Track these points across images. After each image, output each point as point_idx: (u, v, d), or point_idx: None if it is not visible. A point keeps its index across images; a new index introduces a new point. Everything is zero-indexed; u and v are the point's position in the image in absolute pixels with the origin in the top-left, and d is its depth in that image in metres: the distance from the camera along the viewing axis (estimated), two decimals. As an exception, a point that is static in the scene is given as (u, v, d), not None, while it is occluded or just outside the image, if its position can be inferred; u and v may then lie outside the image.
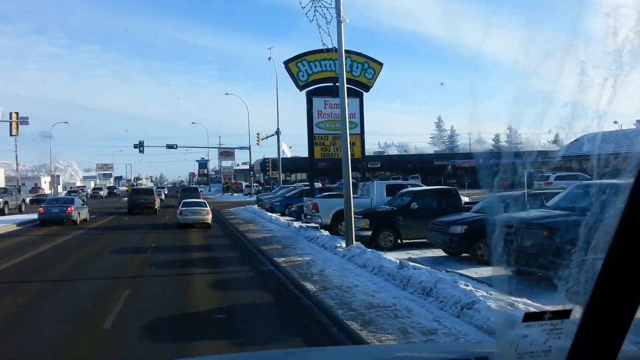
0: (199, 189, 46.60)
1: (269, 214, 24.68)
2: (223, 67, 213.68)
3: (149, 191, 32.45)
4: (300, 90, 20.37)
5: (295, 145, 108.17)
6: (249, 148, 54.15)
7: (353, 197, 12.57)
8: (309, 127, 20.34)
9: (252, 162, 58.11)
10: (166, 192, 65.41)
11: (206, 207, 21.51)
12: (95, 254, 13.20)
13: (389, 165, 79.25)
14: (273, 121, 42.70)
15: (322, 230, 14.61)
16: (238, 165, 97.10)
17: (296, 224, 17.94)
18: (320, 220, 14.77)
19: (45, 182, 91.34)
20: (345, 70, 20.64)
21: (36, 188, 79.07)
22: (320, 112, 20.45)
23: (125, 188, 77.48)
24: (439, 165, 73.09)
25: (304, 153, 59.61)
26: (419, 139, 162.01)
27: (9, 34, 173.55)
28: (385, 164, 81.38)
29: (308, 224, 16.77)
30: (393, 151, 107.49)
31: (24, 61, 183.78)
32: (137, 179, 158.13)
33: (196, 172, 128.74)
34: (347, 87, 20.46)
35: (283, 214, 24.51)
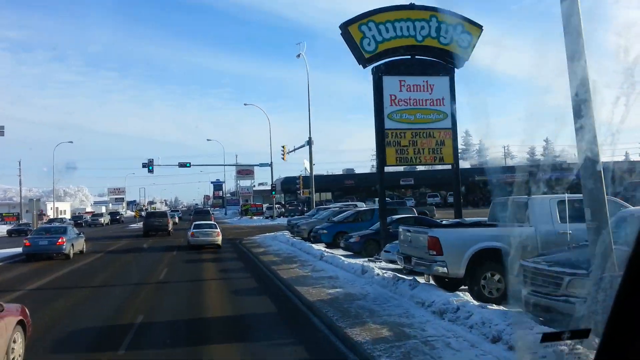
0: (211, 211, 51.25)
1: (314, 246, 18.32)
2: (238, 89, 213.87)
3: (163, 214, 35.70)
4: (365, 66, 14.04)
5: (316, 163, 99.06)
6: (271, 165, 47.50)
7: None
8: (378, 121, 14.57)
9: (273, 181, 51.89)
10: (180, 215, 65.57)
11: (217, 229, 22.64)
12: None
13: (424, 181, 71.20)
14: (294, 139, 36.38)
15: (463, 295, 7.48)
16: (255, 186, 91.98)
17: (377, 268, 11.51)
18: (443, 269, 7.61)
19: (51, 209, 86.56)
20: (430, 35, 15.08)
21: (40, 215, 70.24)
22: (393, 97, 13.94)
23: (133, 213, 71.59)
24: (481, 180, 65.24)
25: (323, 170, 53.21)
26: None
27: (29, 62, 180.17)
28: (420, 180, 73.57)
29: (402, 270, 10.88)
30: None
31: (44, 88, 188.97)
32: (151, 202, 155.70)
33: (211, 195, 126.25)
34: (430, 59, 15.21)
35: (332, 246, 18.53)
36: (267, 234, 28.58)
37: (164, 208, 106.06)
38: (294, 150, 37.90)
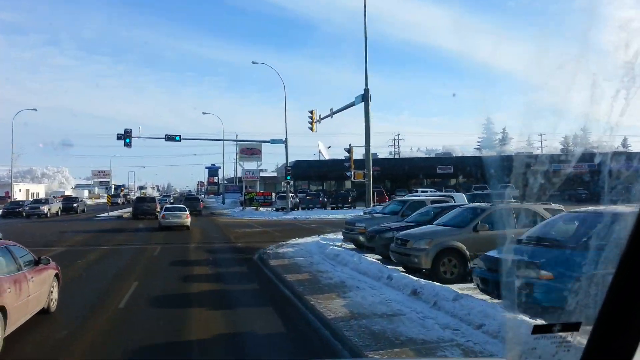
0: (200, 199, 54.97)
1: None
2: (233, 79, 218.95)
3: (152, 199, 39.97)
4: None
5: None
6: (286, 141, 38.58)
7: None
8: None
9: (286, 164, 42.12)
10: (172, 200, 61.83)
11: (186, 211, 26.91)
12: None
13: (465, 170, 59.89)
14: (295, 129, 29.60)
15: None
16: (264, 170, 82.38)
17: None
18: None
19: (20, 190, 78.97)
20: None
21: (4, 198, 63.73)
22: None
23: (105, 199, 59.49)
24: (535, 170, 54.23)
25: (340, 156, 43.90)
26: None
27: (23, 46, 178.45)
28: (459, 169, 62.46)
29: None
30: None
31: (37, 72, 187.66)
32: (142, 187, 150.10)
33: (205, 181, 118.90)
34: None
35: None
36: (300, 239, 19.40)
37: (155, 194, 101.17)
38: (335, 113, 27.18)
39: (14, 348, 6.27)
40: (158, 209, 33.37)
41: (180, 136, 35.22)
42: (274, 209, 44.36)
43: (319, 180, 66.22)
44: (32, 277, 7.24)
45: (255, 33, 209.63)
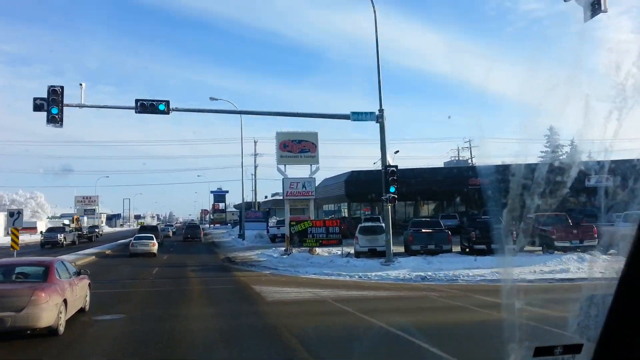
0: (200, 226, 59.42)
1: None
2: (238, 105, 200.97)
3: (154, 228, 45.66)
4: None
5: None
6: (381, 117, 22.27)
7: None
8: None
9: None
10: (174, 230, 66.63)
11: (153, 240, 32.42)
12: None
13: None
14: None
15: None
16: (300, 186, 76.05)
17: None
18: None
19: None
20: None
21: None
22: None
23: (68, 226, 51.33)
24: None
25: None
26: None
27: (26, 76, 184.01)
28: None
29: None
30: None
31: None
32: (138, 217, 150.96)
33: (209, 208, 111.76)
34: None
35: None
36: None
37: (155, 223, 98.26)
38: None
39: (71, 327, 10.13)
40: (156, 243, 34.16)
41: (168, 103, 21.10)
42: (346, 254, 25.32)
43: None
44: (77, 283, 11.31)
45: (259, 61, 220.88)
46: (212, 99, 37.23)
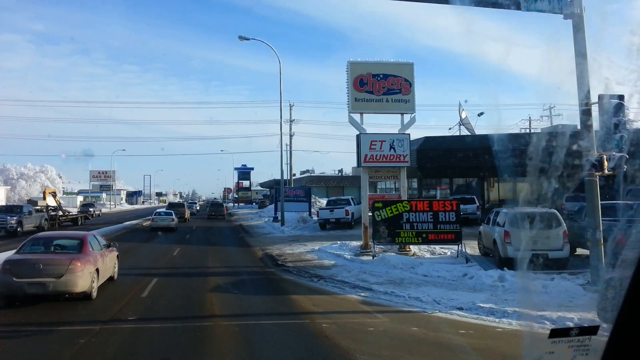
0: (224, 204, 64.12)
1: None
2: (257, 88, 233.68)
3: (181, 205, 50.98)
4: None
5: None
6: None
7: None
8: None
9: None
10: (198, 208, 69.25)
11: (172, 215, 35.16)
12: None
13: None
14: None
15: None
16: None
17: None
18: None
19: None
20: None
21: None
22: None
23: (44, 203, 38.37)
24: None
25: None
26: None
27: (53, 55, 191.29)
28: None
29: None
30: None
31: (68, 81, 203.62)
32: (160, 194, 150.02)
33: (232, 186, 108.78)
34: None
35: None
36: None
37: (176, 200, 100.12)
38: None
39: (103, 292, 12.03)
40: (187, 214, 46.78)
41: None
42: (462, 254, 17.32)
43: (465, 173, 35.02)
44: (107, 254, 13.20)
45: (283, 41, 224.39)
46: (241, 38, 32.12)
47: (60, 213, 37.76)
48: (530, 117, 56.55)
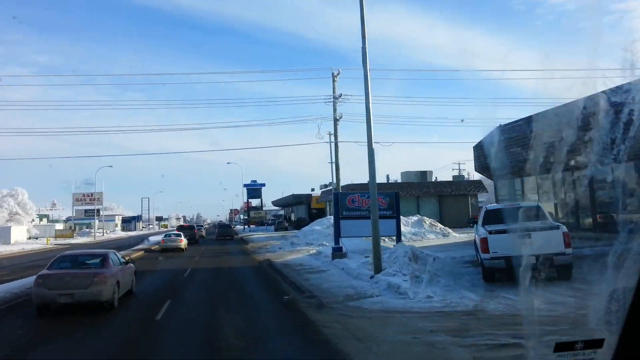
0: (231, 226, 69.27)
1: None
2: (262, 109, 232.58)
3: (191, 227, 52.96)
4: None
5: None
6: None
7: None
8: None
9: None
10: (203, 232, 65.59)
11: (181, 237, 36.87)
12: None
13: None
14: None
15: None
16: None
17: None
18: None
19: None
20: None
21: None
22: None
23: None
24: None
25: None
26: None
27: (59, 86, 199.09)
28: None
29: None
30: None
31: (75, 110, 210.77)
32: (160, 219, 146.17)
33: (240, 207, 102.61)
34: None
35: None
36: None
37: (179, 224, 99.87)
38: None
39: (123, 303, 13.88)
40: (198, 234, 51.42)
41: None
42: None
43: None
44: (125, 270, 15.45)
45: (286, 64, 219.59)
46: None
47: None
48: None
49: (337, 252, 21.58)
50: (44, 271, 13.55)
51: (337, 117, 33.14)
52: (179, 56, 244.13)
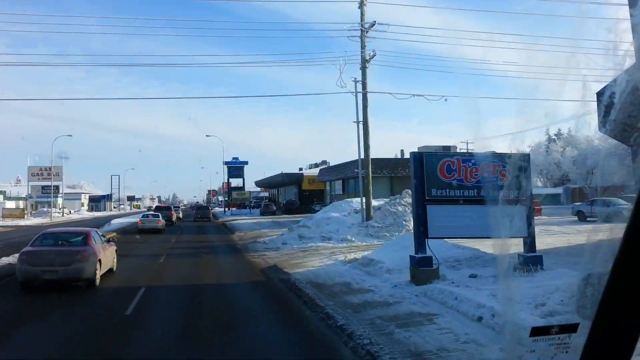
0: (209, 207, 67.10)
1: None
2: (242, 89, 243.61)
3: (168, 208, 51.84)
4: None
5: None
6: None
7: None
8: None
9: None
10: (180, 214, 61.13)
11: (159, 217, 37.16)
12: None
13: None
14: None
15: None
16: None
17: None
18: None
19: None
20: None
21: None
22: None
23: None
24: None
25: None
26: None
27: (31, 59, 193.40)
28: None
29: None
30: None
31: (45, 84, 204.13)
32: (132, 198, 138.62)
33: (220, 187, 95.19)
34: None
35: None
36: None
37: (154, 205, 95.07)
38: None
39: (104, 281, 14.49)
40: (174, 216, 49.27)
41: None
42: None
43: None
44: (107, 248, 16.27)
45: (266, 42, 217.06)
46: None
47: None
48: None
49: (424, 268, 11.97)
50: (27, 248, 13.97)
51: (367, 56, 24.79)
52: (156, 32, 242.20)
